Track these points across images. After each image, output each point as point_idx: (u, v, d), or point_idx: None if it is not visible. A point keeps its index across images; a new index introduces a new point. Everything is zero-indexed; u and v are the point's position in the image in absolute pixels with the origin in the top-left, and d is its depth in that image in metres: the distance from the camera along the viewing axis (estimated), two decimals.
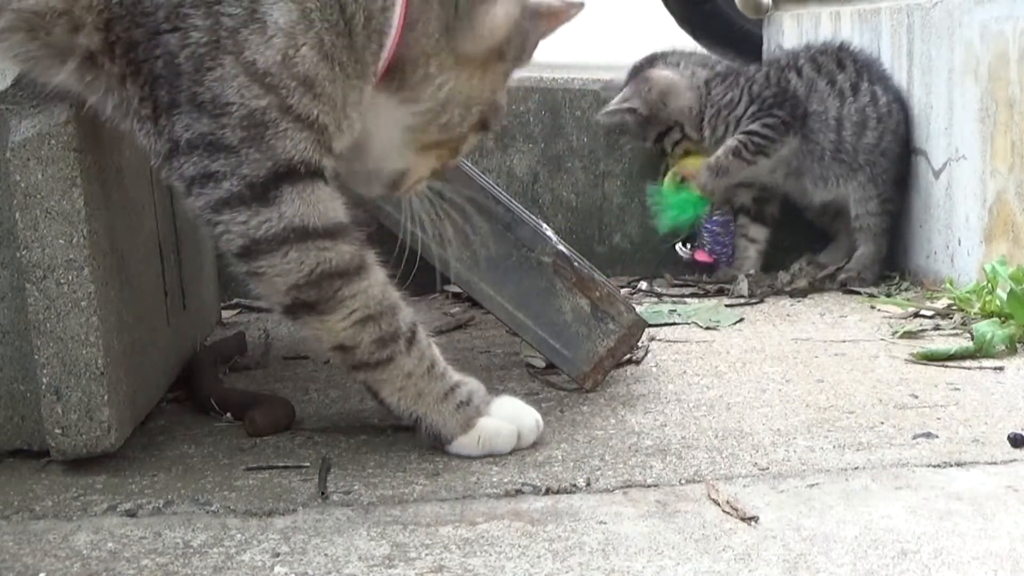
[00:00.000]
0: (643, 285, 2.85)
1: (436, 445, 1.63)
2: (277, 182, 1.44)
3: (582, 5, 1.64)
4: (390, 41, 1.48)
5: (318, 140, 1.46)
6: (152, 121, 1.45)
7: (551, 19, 1.62)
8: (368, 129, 1.55)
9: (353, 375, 1.60)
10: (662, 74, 2.90)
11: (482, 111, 1.61)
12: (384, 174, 1.64)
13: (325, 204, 1.48)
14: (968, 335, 2.17)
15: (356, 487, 1.53)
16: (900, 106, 2.80)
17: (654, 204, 2.87)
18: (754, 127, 2.79)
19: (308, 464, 1.62)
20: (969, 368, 2.03)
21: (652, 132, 2.89)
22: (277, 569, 1.29)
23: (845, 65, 2.84)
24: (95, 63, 1.46)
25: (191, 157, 1.44)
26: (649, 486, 1.51)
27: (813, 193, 2.86)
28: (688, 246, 2.89)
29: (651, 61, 2.94)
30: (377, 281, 1.52)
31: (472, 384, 1.64)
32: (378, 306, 1.52)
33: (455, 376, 1.63)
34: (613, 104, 2.88)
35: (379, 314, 1.52)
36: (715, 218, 2.87)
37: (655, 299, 2.73)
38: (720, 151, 2.80)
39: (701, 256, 2.88)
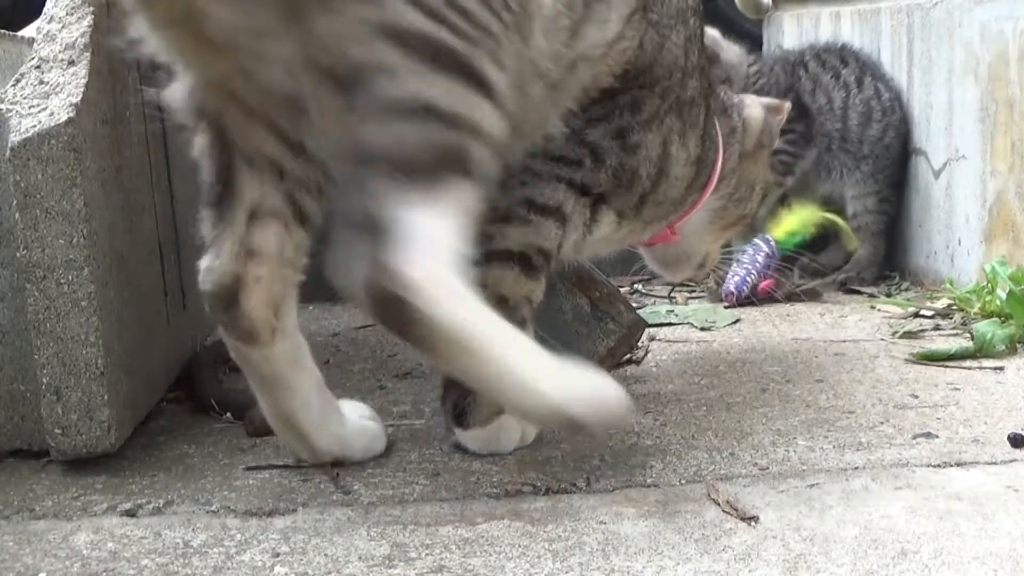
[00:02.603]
0: (641, 286, 2.86)
1: (452, 425, 1.63)
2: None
3: (790, 105, 2.16)
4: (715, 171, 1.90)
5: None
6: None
7: (777, 111, 2.08)
8: (688, 223, 1.95)
9: None
10: (708, 30, 2.89)
11: (761, 187, 2.07)
12: (694, 258, 2.05)
13: None
14: (968, 335, 2.17)
15: (356, 487, 1.53)
16: (900, 106, 2.82)
17: None
18: (778, 144, 2.77)
19: (308, 464, 1.62)
20: (969, 368, 2.03)
21: None
22: (277, 569, 1.29)
23: (848, 62, 2.87)
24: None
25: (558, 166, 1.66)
26: (649, 486, 1.51)
27: (815, 183, 2.87)
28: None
29: None
30: None
31: None
32: None
33: None
34: None
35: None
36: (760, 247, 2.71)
37: (654, 299, 2.73)
38: None
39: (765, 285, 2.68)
